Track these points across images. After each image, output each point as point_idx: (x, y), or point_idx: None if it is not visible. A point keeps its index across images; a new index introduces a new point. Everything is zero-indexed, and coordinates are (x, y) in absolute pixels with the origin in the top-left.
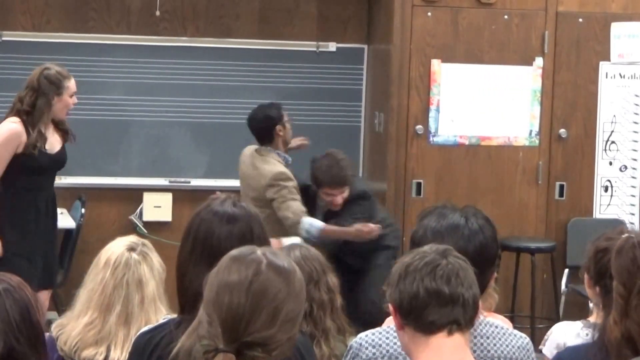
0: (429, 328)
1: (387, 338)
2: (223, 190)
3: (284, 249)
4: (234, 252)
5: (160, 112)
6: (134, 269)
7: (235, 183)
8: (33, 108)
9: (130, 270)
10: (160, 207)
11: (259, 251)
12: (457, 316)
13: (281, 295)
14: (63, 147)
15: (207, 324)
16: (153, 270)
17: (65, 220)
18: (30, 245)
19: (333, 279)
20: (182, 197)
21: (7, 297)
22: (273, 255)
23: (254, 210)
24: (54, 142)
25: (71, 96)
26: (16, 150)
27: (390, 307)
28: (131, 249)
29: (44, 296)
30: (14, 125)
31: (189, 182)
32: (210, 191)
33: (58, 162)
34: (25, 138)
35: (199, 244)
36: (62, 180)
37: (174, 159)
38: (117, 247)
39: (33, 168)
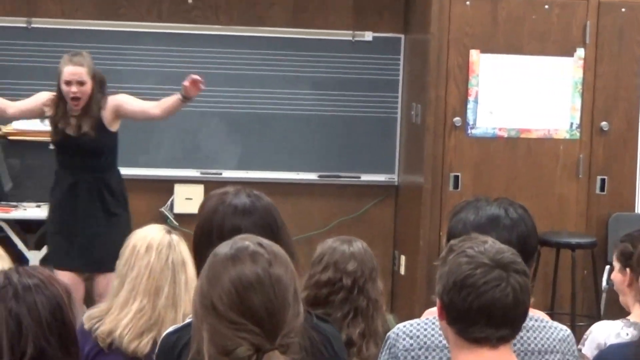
0: (474, 341)
1: (425, 329)
2: (255, 182)
3: (343, 240)
4: (223, 251)
5: (193, 101)
6: (178, 250)
7: (268, 175)
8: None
9: (174, 251)
10: (191, 199)
11: (245, 242)
12: (506, 334)
13: (290, 277)
14: (88, 134)
15: (235, 330)
16: (188, 251)
17: None
18: (59, 223)
19: (381, 283)
20: (213, 188)
21: (37, 293)
22: (258, 240)
23: (268, 200)
24: (76, 125)
25: (65, 83)
26: (42, 116)
27: (437, 301)
28: (168, 231)
29: (72, 279)
30: (48, 92)
31: (221, 174)
32: (242, 183)
33: (73, 144)
34: (51, 112)
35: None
36: None
37: (205, 150)
38: (154, 232)
39: (54, 143)
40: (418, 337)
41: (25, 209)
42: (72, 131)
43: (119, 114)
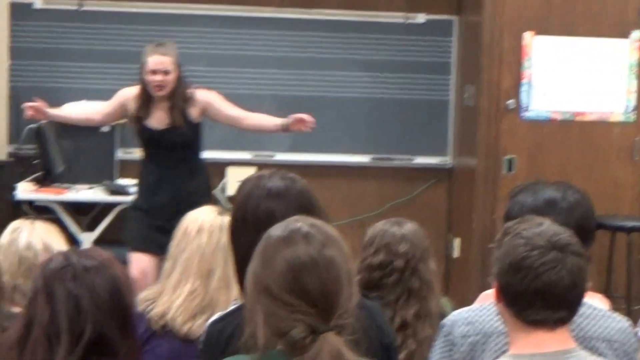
0: (531, 323)
1: (482, 316)
2: (307, 165)
3: (393, 222)
4: (277, 233)
5: (245, 84)
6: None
7: (320, 158)
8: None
9: (225, 233)
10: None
11: (298, 223)
12: (563, 316)
13: (343, 258)
14: (173, 128)
15: (290, 312)
16: None
17: None
18: (144, 210)
19: (434, 263)
20: None
21: (96, 275)
22: (311, 222)
23: (303, 180)
24: (162, 119)
25: (151, 73)
26: (126, 114)
27: (493, 283)
28: (220, 213)
29: (150, 261)
30: (128, 89)
31: (273, 156)
32: (295, 166)
33: (157, 140)
34: (135, 106)
35: (263, 229)
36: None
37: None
38: (206, 214)
39: (139, 138)
40: (475, 323)
41: (77, 191)
42: (158, 124)
43: (206, 112)
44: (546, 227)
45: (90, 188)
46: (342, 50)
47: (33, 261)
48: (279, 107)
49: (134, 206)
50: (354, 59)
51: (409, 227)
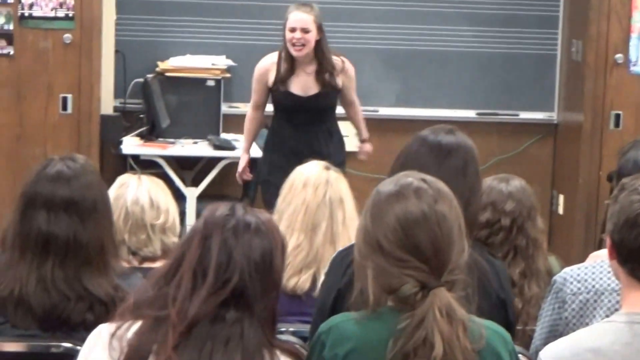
0: None
1: (593, 273)
2: (411, 120)
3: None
4: (387, 189)
5: (349, 38)
6: (335, 186)
7: (425, 113)
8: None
9: (331, 188)
10: (347, 136)
11: (408, 178)
12: None
13: (454, 213)
14: (321, 94)
15: (401, 267)
16: (348, 188)
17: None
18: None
19: (542, 221)
20: (370, 126)
21: (255, 236)
22: (421, 177)
23: (469, 142)
24: (308, 84)
25: (290, 31)
26: (269, 83)
27: (607, 239)
28: (327, 167)
29: None
30: (263, 61)
31: (378, 111)
32: (399, 121)
33: (302, 106)
34: (273, 74)
35: None
36: (248, 108)
37: (363, 87)
38: (312, 169)
39: (276, 104)
40: (586, 280)
41: (182, 146)
42: (303, 91)
43: (342, 85)
44: None
45: (195, 143)
46: (448, 4)
47: (140, 217)
48: (383, 61)
49: (267, 172)
50: (460, 13)
51: (515, 184)
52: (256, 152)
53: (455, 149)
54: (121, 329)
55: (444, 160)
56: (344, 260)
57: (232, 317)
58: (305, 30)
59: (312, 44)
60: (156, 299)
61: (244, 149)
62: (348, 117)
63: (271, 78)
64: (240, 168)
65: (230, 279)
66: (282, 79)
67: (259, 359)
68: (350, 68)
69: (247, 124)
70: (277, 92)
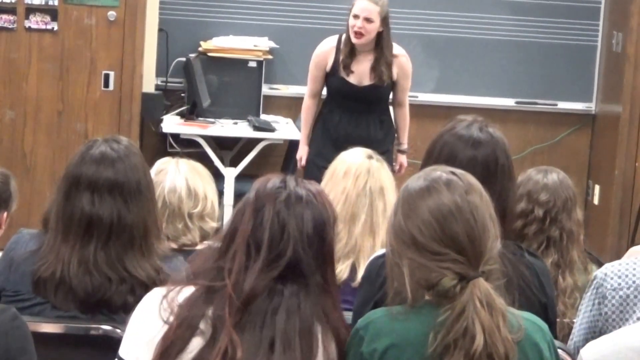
0: None
1: (635, 269)
2: (450, 107)
3: (539, 170)
4: (417, 184)
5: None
6: (377, 176)
7: (464, 100)
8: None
9: (372, 178)
10: None
11: (437, 172)
12: None
13: (485, 203)
14: (374, 86)
15: (438, 261)
16: (390, 178)
17: (290, 130)
18: (322, 157)
19: (580, 213)
20: (410, 111)
21: (307, 208)
22: (450, 169)
23: (501, 136)
24: (363, 75)
25: (353, 17)
26: (327, 68)
27: None
28: (369, 156)
29: None
30: (321, 46)
31: (417, 97)
32: (438, 107)
33: (358, 95)
34: (332, 59)
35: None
36: (288, 90)
37: None
38: (353, 157)
39: (330, 89)
40: (627, 276)
41: (222, 126)
42: (359, 80)
43: (396, 78)
44: None
45: (235, 123)
46: None
47: (177, 206)
48: (424, 48)
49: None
50: (502, 1)
51: (553, 176)
52: (295, 134)
53: (487, 143)
54: (173, 291)
55: (475, 153)
56: (380, 269)
57: (289, 291)
58: (368, 20)
59: (372, 34)
60: (210, 271)
61: (302, 138)
62: (394, 119)
63: (330, 62)
64: (301, 159)
65: (284, 252)
66: (343, 63)
67: (312, 333)
68: (407, 64)
69: (305, 114)
70: (334, 77)
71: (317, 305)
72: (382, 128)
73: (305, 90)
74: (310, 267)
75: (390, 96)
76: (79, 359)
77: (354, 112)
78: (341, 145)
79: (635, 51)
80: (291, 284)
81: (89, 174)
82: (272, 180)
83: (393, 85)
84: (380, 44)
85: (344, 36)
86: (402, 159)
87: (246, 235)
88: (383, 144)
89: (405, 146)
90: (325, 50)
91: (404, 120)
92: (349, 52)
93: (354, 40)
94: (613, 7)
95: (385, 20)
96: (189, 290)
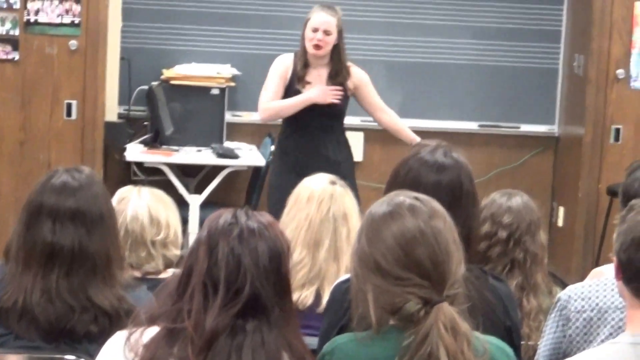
0: None
1: (598, 291)
2: (414, 131)
3: (503, 193)
4: (380, 209)
5: (353, 50)
6: (340, 202)
7: (428, 124)
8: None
9: (336, 203)
10: (351, 146)
11: (401, 197)
12: None
13: (449, 228)
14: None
15: (402, 286)
16: (354, 203)
17: (254, 157)
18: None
19: (544, 236)
20: (373, 136)
21: (261, 240)
22: (413, 195)
23: (465, 162)
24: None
25: (312, 30)
26: (286, 81)
27: (614, 259)
28: (332, 182)
29: None
30: (282, 58)
31: None
32: None
33: (312, 109)
34: (290, 74)
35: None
36: (251, 117)
37: None
38: (317, 183)
39: None
40: (590, 298)
41: (186, 153)
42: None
43: (356, 90)
44: None
45: (199, 151)
46: (451, 17)
47: (139, 234)
48: (387, 73)
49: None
50: (464, 26)
51: (517, 199)
52: (259, 160)
53: (451, 168)
54: (137, 332)
55: (439, 178)
56: (345, 295)
57: (251, 327)
58: (327, 32)
59: (330, 46)
60: (170, 313)
61: (295, 99)
62: (386, 127)
63: (288, 76)
64: (320, 92)
65: (242, 289)
66: (298, 76)
67: None
68: (357, 72)
69: (272, 103)
70: (291, 92)
71: (280, 337)
72: (340, 150)
73: (267, 103)
74: (270, 300)
75: (347, 119)
76: None
77: (312, 133)
78: (301, 169)
79: (596, 73)
80: (252, 319)
81: (50, 202)
82: (224, 216)
83: (360, 99)
84: (336, 56)
85: (299, 51)
86: None
87: (202, 275)
88: (343, 164)
89: (416, 138)
90: (286, 63)
91: (398, 121)
92: (303, 65)
93: (312, 52)
94: (574, 30)
95: (340, 32)
96: (152, 331)
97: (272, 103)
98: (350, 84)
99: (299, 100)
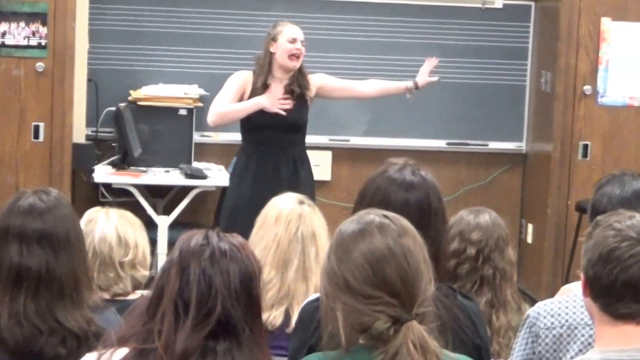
0: (619, 317)
1: (567, 307)
2: (382, 150)
3: (471, 210)
4: (350, 228)
5: (325, 68)
6: (308, 221)
7: (396, 142)
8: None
9: (304, 223)
10: (319, 165)
11: (370, 215)
12: None
13: (419, 246)
14: (296, 109)
15: (371, 304)
16: (322, 223)
17: (222, 177)
18: (251, 199)
19: (512, 252)
20: (341, 155)
21: (232, 262)
22: (383, 213)
23: (433, 180)
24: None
25: (290, 42)
26: (242, 98)
27: (582, 276)
28: (301, 202)
29: None
30: (241, 73)
31: (349, 141)
32: (370, 150)
33: (273, 121)
34: (250, 90)
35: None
36: (219, 137)
37: (333, 116)
38: (285, 202)
39: (247, 124)
40: (559, 315)
41: (154, 174)
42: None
43: (321, 92)
44: (637, 220)
45: (167, 171)
46: (419, 35)
47: (107, 255)
48: None
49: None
50: (431, 44)
51: (485, 216)
52: (224, 180)
53: (420, 186)
54: (106, 354)
55: (407, 197)
56: (314, 314)
57: (222, 348)
58: (303, 43)
59: (303, 57)
60: (141, 333)
61: (249, 102)
62: (372, 94)
63: (248, 91)
64: (270, 99)
65: (213, 310)
66: (258, 94)
67: None
68: (313, 77)
69: (222, 106)
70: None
71: (251, 358)
72: (302, 167)
73: (218, 106)
74: (240, 321)
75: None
76: None
77: (273, 151)
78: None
79: (564, 90)
80: (223, 341)
81: (17, 224)
82: (195, 237)
83: (329, 93)
84: (301, 70)
85: (258, 68)
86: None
87: (173, 296)
88: (305, 183)
89: (409, 82)
90: (246, 78)
91: (379, 82)
92: (265, 81)
93: (291, 64)
94: (541, 47)
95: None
96: (122, 352)
97: (221, 106)
98: (309, 93)
99: (247, 105)
